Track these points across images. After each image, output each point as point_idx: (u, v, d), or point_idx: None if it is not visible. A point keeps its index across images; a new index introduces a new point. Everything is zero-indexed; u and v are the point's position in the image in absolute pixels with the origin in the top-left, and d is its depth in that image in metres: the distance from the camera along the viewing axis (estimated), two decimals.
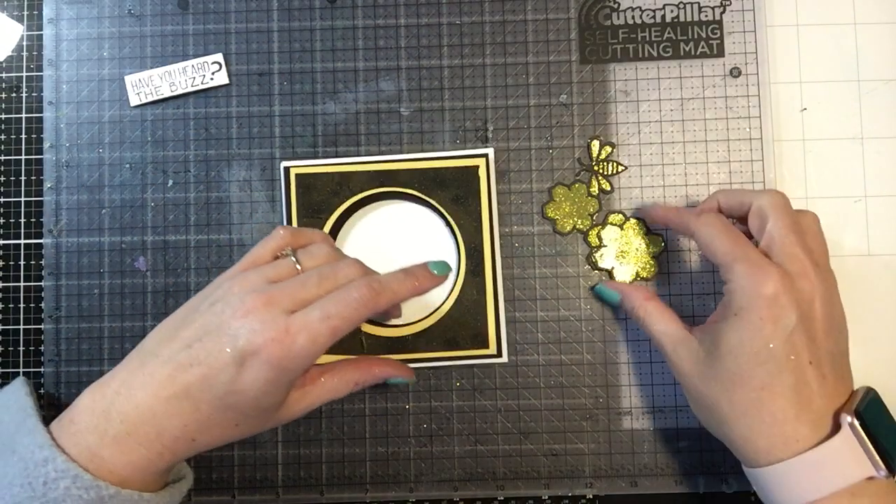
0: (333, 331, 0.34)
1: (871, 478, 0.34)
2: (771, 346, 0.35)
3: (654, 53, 0.47)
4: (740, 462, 0.38)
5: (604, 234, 0.46)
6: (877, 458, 0.34)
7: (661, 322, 0.41)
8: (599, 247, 0.46)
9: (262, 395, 0.34)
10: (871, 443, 0.34)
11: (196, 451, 0.36)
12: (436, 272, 0.40)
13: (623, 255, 0.46)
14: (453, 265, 0.47)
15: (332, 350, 0.46)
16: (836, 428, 0.35)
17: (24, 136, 0.48)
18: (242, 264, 0.39)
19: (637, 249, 0.46)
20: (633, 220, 0.46)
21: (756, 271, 0.36)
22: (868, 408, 0.36)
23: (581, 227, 0.46)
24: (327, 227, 0.46)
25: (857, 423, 0.35)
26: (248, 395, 0.34)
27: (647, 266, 0.46)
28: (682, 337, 0.40)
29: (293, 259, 0.38)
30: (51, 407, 0.46)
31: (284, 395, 0.36)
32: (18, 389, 0.38)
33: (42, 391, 0.46)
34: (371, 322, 0.46)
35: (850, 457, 0.35)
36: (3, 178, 0.48)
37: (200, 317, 0.35)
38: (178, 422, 0.34)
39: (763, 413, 0.36)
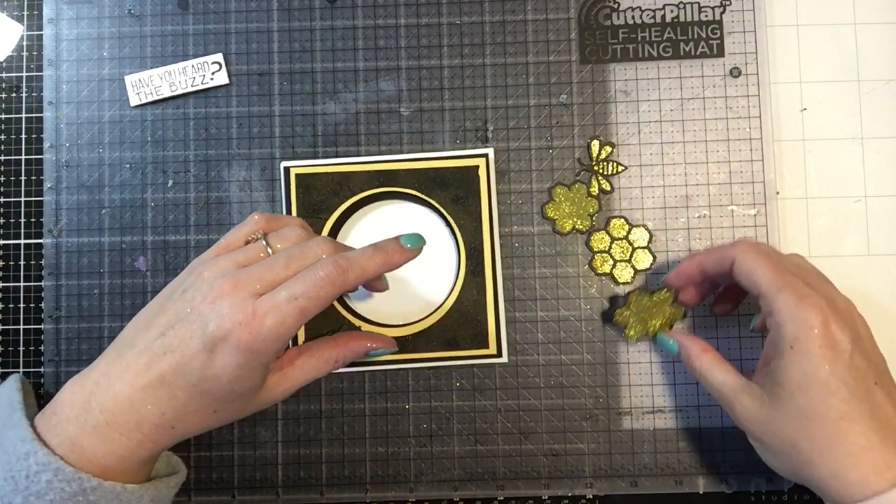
0: (301, 311, 0.34)
1: None
2: (837, 372, 0.34)
3: (654, 53, 0.47)
4: (826, 502, 0.37)
5: (621, 319, 0.44)
6: None
7: (720, 373, 0.39)
8: (628, 328, 0.44)
9: (234, 380, 0.34)
10: None
11: (177, 438, 0.36)
12: (408, 246, 0.39)
13: (651, 319, 0.44)
14: (453, 265, 0.47)
15: None
16: None
17: (24, 136, 0.48)
18: (216, 249, 0.39)
19: (656, 309, 0.44)
20: (636, 293, 0.44)
21: (803, 300, 0.35)
22: None
23: (580, 227, 0.46)
24: (327, 227, 0.46)
25: None
26: (222, 380, 0.34)
27: (676, 315, 0.44)
28: (742, 385, 0.38)
29: (264, 242, 0.38)
30: None
31: (259, 379, 0.36)
32: (11, 385, 0.38)
33: (42, 391, 0.46)
34: (371, 322, 0.46)
35: None
36: (3, 178, 0.48)
37: (173, 304, 0.36)
38: (156, 410, 0.34)
39: (848, 444, 0.34)
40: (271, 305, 0.34)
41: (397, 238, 0.39)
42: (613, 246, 0.46)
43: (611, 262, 0.46)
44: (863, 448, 0.34)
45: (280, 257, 0.36)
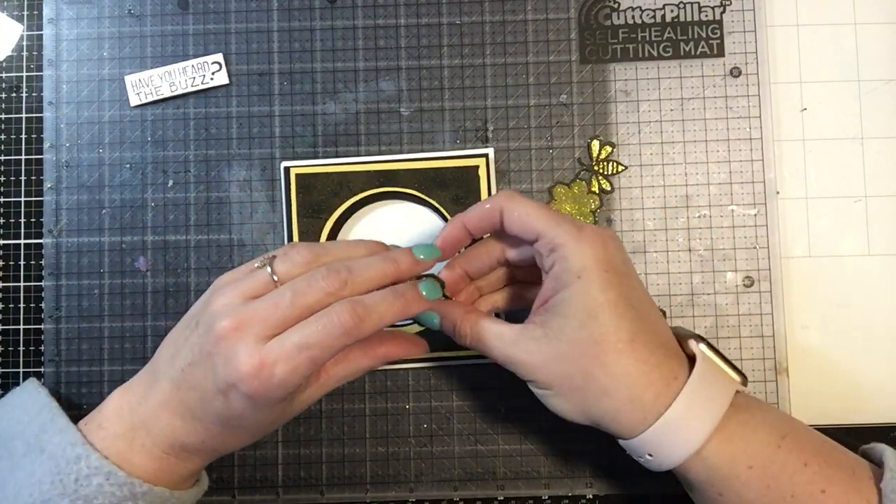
0: (312, 360, 0.32)
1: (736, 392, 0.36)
2: (623, 295, 0.35)
3: (654, 53, 0.47)
4: (618, 438, 0.36)
5: None
6: (733, 368, 0.37)
7: (494, 326, 0.37)
8: None
9: (259, 416, 0.34)
10: (722, 359, 0.38)
11: (221, 455, 0.37)
12: (428, 295, 0.36)
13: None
14: None
15: None
16: (688, 358, 0.36)
17: (24, 136, 0.48)
18: (234, 273, 0.37)
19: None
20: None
21: (581, 231, 0.35)
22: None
23: None
24: (327, 228, 0.46)
25: (703, 346, 0.37)
26: (246, 418, 0.34)
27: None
28: (520, 331, 0.36)
29: (269, 269, 0.35)
30: None
31: (282, 409, 0.35)
32: (35, 391, 0.39)
33: None
34: None
35: (718, 377, 0.36)
36: (3, 178, 0.48)
37: (189, 336, 0.35)
38: (196, 439, 0.35)
39: (639, 364, 0.34)
40: (281, 354, 0.32)
41: (416, 285, 0.36)
42: None
43: None
44: (654, 365, 0.34)
45: (285, 293, 0.33)
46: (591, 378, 0.34)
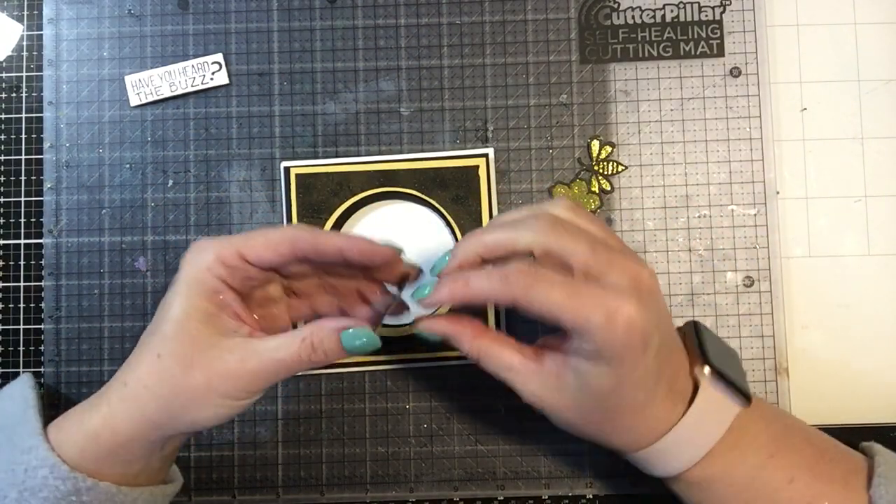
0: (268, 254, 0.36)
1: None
2: (648, 367, 0.33)
3: (654, 53, 0.47)
4: (624, 451, 0.37)
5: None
6: (736, 396, 0.35)
7: (507, 355, 0.35)
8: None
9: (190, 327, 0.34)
10: (727, 383, 0.35)
11: (162, 439, 0.35)
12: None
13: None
14: None
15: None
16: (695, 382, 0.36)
17: (24, 136, 0.48)
18: None
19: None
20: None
21: (611, 320, 0.31)
22: (714, 354, 0.36)
23: None
24: (327, 228, 0.46)
25: (707, 371, 0.35)
26: (178, 321, 0.34)
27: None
28: (533, 370, 0.35)
29: None
30: (51, 407, 0.46)
31: (216, 345, 0.33)
32: (24, 383, 0.39)
33: (42, 391, 0.46)
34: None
35: (717, 406, 0.35)
36: (3, 178, 0.48)
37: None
38: (127, 416, 0.34)
39: (649, 421, 0.35)
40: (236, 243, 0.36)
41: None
42: None
43: None
44: (660, 420, 0.35)
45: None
46: (599, 427, 0.35)
